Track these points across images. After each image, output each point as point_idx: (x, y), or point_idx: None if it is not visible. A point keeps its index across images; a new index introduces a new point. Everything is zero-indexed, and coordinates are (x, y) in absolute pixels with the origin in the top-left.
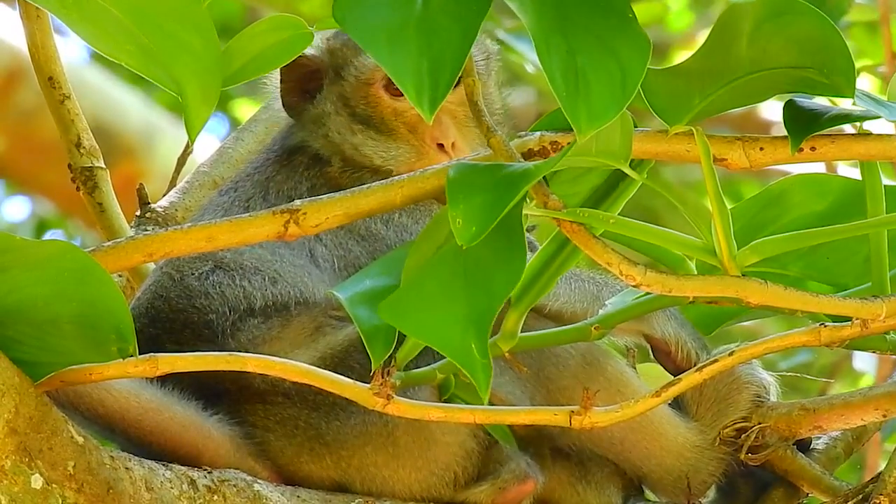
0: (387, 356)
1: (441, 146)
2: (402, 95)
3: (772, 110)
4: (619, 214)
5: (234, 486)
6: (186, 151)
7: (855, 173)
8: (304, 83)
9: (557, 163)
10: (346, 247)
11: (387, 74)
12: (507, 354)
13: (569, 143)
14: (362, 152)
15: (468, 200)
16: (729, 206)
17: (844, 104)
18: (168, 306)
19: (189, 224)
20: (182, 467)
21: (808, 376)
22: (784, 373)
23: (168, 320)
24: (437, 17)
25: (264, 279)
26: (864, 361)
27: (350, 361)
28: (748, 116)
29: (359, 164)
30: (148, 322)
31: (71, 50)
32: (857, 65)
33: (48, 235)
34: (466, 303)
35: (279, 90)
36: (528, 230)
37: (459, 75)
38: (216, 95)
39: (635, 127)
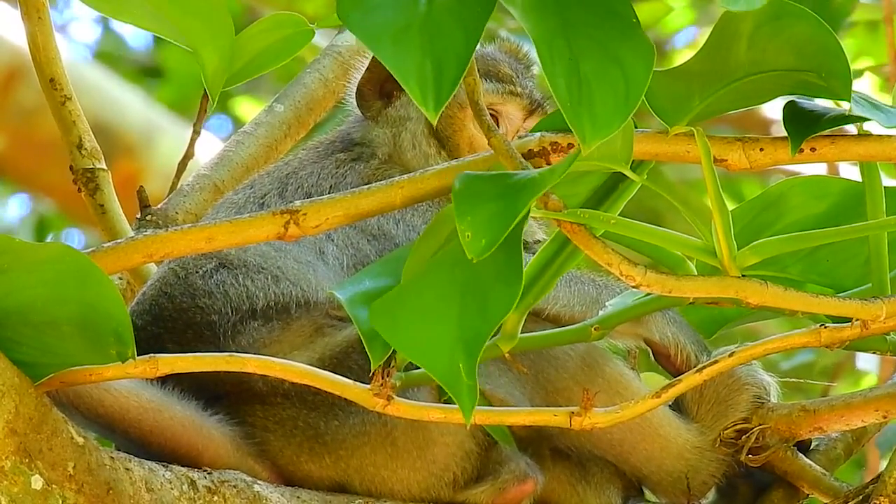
0: (386, 357)
1: None
2: (489, 132)
3: (773, 108)
4: (619, 215)
5: (234, 486)
6: (188, 155)
7: (857, 173)
8: (386, 81)
9: (565, 172)
10: (357, 246)
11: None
12: (506, 355)
13: (570, 146)
14: (430, 165)
15: (476, 212)
16: (730, 207)
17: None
18: (172, 304)
19: (190, 225)
20: (182, 468)
21: (812, 381)
22: (787, 378)
23: (171, 319)
24: (441, 17)
25: (267, 278)
26: (866, 361)
27: (348, 362)
28: (749, 114)
29: (407, 168)
30: (151, 320)
31: (72, 48)
32: (862, 64)
33: (50, 238)
34: (459, 321)
35: (360, 78)
36: (535, 242)
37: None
38: (230, 55)
39: (635, 128)
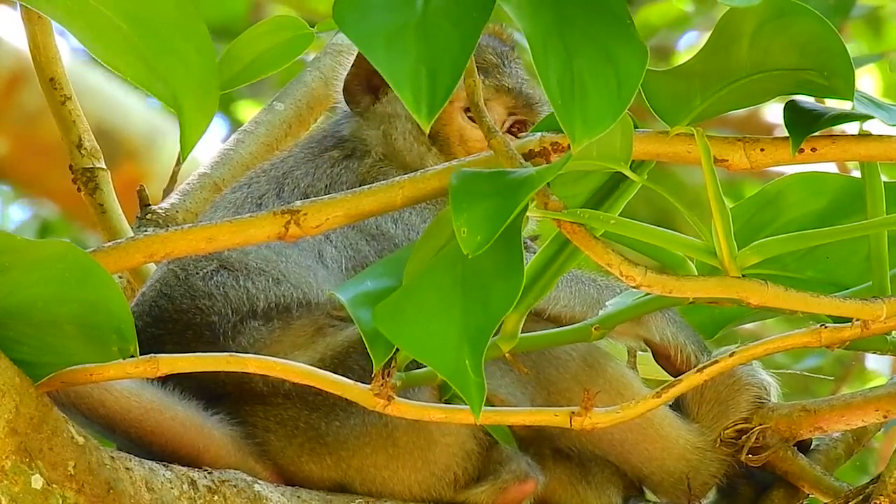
0: (388, 358)
1: None
2: (490, 133)
3: (775, 113)
4: (625, 216)
5: (235, 486)
6: (179, 163)
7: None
8: (373, 76)
9: (560, 169)
10: (356, 246)
11: (469, 98)
12: (507, 355)
13: (569, 147)
14: (424, 162)
15: (472, 209)
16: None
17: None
18: (172, 306)
19: (191, 224)
20: (182, 468)
21: (820, 376)
22: (791, 371)
23: (171, 321)
24: (437, 21)
25: (268, 280)
26: (877, 361)
27: (349, 362)
28: (751, 119)
29: (400, 164)
30: (151, 321)
31: (75, 51)
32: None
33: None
34: (463, 319)
35: (347, 75)
36: (531, 240)
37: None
38: (213, 110)
39: (636, 128)
